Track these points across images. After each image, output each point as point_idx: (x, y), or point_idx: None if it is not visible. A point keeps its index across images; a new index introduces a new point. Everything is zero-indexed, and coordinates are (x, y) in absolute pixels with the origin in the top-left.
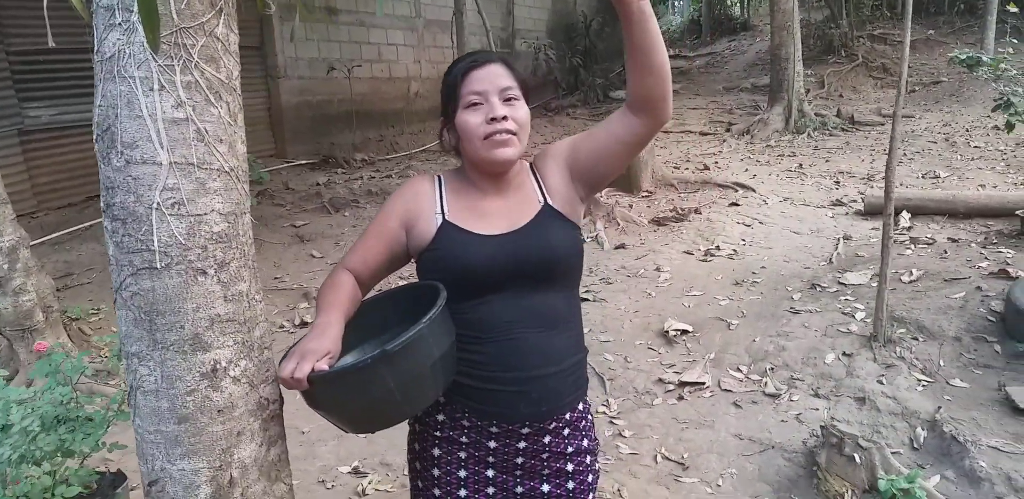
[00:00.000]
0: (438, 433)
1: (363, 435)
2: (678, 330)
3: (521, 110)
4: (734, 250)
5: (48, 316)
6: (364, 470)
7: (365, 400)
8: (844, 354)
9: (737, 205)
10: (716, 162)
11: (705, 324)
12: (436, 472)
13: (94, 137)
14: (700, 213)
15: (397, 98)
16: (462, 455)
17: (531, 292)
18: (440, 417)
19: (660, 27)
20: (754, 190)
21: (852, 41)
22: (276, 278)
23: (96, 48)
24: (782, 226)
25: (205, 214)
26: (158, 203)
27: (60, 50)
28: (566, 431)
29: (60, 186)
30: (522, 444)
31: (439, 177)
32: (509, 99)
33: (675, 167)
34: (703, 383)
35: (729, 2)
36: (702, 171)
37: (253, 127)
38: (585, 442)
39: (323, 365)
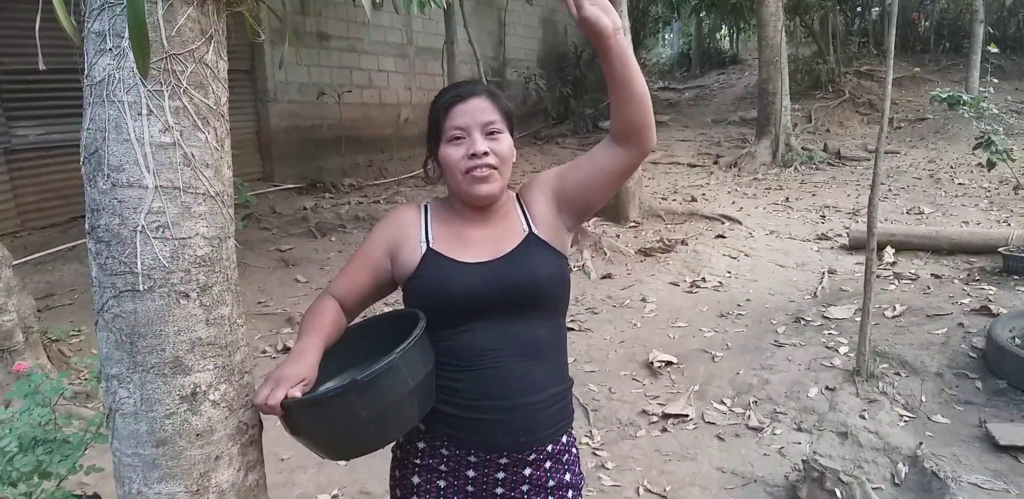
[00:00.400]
0: (418, 461)
1: (343, 463)
2: (663, 361)
3: (504, 143)
4: (720, 282)
5: (28, 337)
6: (343, 498)
7: (338, 428)
8: (827, 388)
9: (723, 237)
10: (704, 194)
11: (690, 356)
12: None
13: (81, 159)
14: (687, 244)
15: (387, 124)
16: (441, 484)
17: (514, 320)
18: (420, 444)
19: (651, 59)
20: (740, 222)
21: (839, 77)
22: (260, 302)
23: (86, 72)
24: (768, 259)
25: (189, 238)
26: (143, 226)
27: (48, 70)
28: (548, 464)
29: (44, 206)
30: (501, 475)
31: (425, 205)
32: (492, 133)
33: (663, 198)
34: (687, 415)
35: (718, 36)
36: (689, 202)
37: (241, 150)
38: (568, 476)
39: (296, 392)
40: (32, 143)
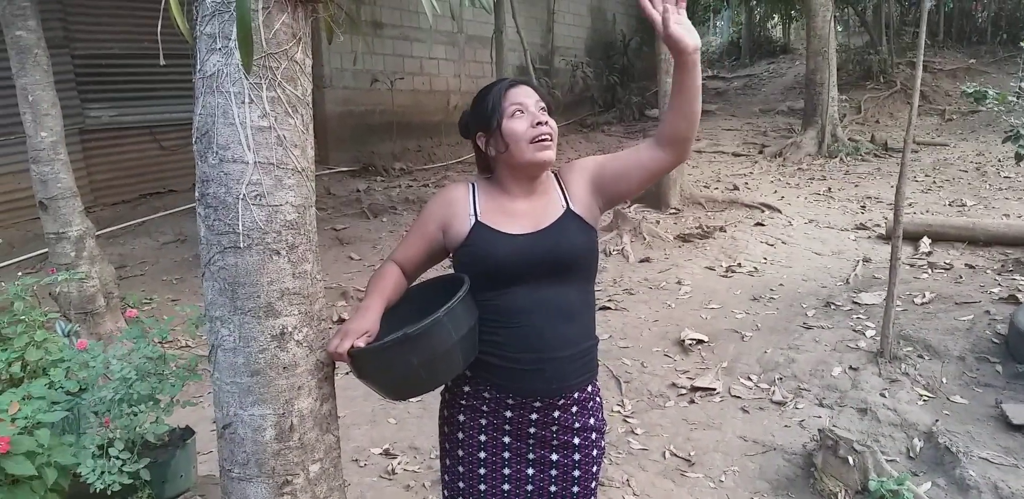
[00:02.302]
0: (463, 402)
1: (393, 421)
2: (694, 340)
3: (552, 122)
4: (755, 267)
5: (109, 302)
6: (394, 452)
7: (394, 372)
8: (851, 368)
9: (762, 225)
10: (746, 183)
11: (720, 335)
12: (460, 435)
13: (193, 139)
14: (725, 231)
15: (437, 110)
16: (483, 422)
17: (550, 285)
18: (466, 388)
19: (700, 48)
20: (780, 211)
21: (891, 68)
22: None
23: (199, 67)
24: (804, 247)
25: (281, 205)
26: (244, 194)
27: (121, 55)
28: (574, 408)
29: (116, 183)
30: (534, 416)
31: (473, 184)
32: (543, 109)
33: (704, 186)
34: (714, 389)
35: (769, 25)
36: (731, 191)
37: None
38: (592, 420)
39: (360, 343)
40: (105, 124)
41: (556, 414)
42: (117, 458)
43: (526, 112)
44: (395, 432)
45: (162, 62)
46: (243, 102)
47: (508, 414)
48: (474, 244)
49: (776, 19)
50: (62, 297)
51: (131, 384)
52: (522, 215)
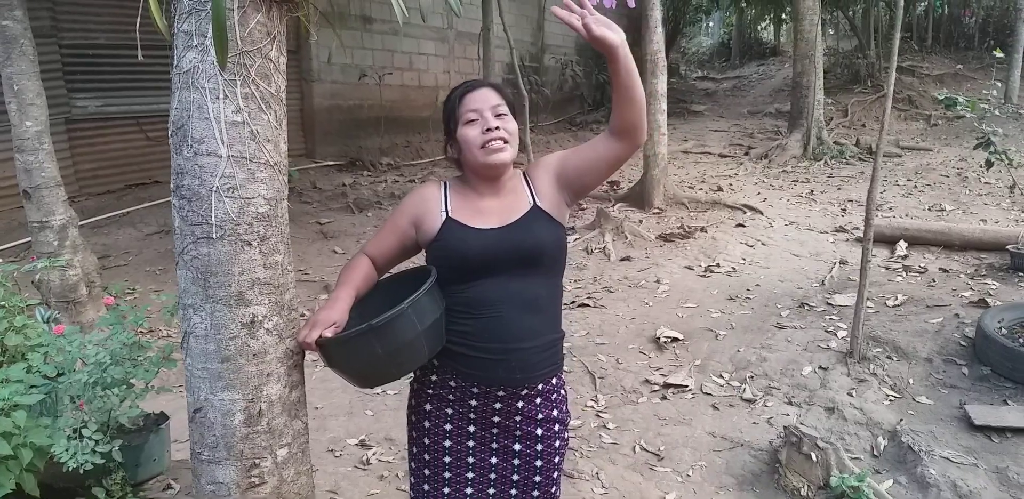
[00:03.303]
0: (430, 391)
1: (369, 412)
2: (669, 337)
3: (511, 123)
4: (733, 268)
5: (91, 291)
6: (369, 443)
7: (361, 361)
8: (820, 367)
9: (743, 226)
10: (731, 184)
11: (695, 333)
12: (427, 424)
13: (168, 133)
14: (706, 232)
15: (425, 106)
16: (448, 411)
17: (517, 278)
18: (433, 377)
19: (690, 48)
20: (762, 213)
21: (879, 72)
22: (300, 270)
23: (175, 63)
24: (783, 248)
25: (253, 198)
26: (217, 187)
27: (108, 45)
28: (538, 400)
29: (101, 174)
30: (498, 405)
31: (445, 182)
32: (499, 115)
33: (689, 187)
34: (686, 386)
35: (760, 27)
36: (715, 192)
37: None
38: (555, 412)
39: (328, 333)
40: (91, 114)
41: (520, 404)
42: (90, 439)
43: (480, 118)
44: (371, 423)
45: (140, 58)
46: (218, 98)
47: (473, 403)
48: (445, 238)
49: (767, 21)
50: (44, 285)
51: (105, 368)
52: (490, 211)
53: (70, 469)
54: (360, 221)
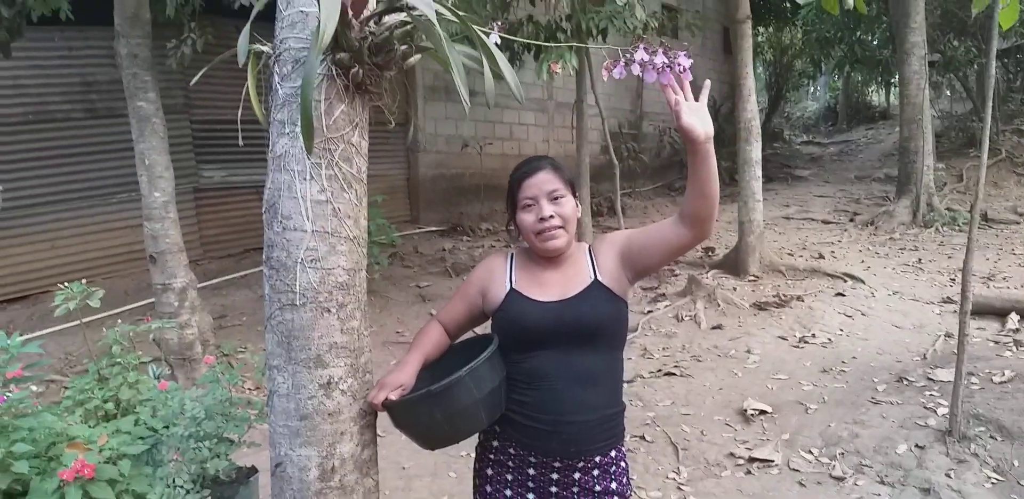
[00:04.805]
0: (491, 456)
1: (453, 474)
2: (757, 410)
3: (567, 206)
4: (829, 339)
5: (205, 349)
6: None
7: (420, 425)
8: (917, 446)
9: (843, 295)
10: (832, 251)
11: (784, 406)
12: (488, 488)
13: (263, 210)
14: (803, 301)
15: None
16: (508, 477)
17: (574, 351)
18: (495, 443)
19: (795, 113)
20: (864, 281)
21: (996, 135)
22: (398, 332)
23: (271, 148)
24: (884, 319)
25: (333, 269)
26: (302, 258)
27: (234, 121)
28: (595, 471)
29: (223, 239)
30: (555, 475)
31: (511, 254)
32: (556, 198)
33: (788, 253)
34: (772, 461)
35: (867, 90)
36: (816, 259)
37: (393, 195)
38: (614, 485)
39: (393, 395)
40: (216, 183)
41: (576, 476)
42: (181, 488)
43: (535, 205)
44: (453, 485)
45: (240, 143)
46: (305, 179)
47: (531, 471)
48: (507, 309)
49: (874, 86)
50: (163, 343)
51: (199, 422)
52: (552, 284)
53: None
54: (456, 285)
